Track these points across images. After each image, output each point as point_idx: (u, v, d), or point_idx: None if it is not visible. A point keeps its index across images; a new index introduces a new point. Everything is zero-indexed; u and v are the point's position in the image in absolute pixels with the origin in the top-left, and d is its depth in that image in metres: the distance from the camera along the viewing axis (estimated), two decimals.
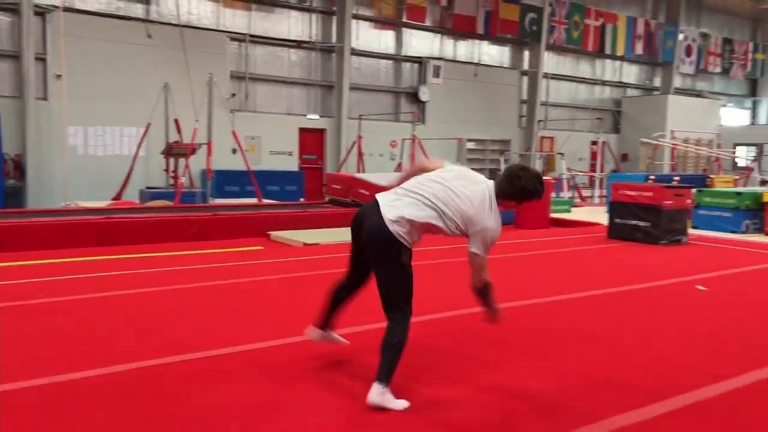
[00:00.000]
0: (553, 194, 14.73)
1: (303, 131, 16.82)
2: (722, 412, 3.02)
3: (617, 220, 9.20)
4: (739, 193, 10.22)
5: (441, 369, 3.48)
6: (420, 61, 18.74)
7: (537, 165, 18.55)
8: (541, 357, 3.76)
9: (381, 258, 2.97)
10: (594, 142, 20.43)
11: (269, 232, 9.03)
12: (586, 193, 17.19)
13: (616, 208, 9.24)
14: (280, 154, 16.19)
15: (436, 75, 18.73)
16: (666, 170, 18.33)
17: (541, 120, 20.85)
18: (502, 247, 8.30)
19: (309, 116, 16.86)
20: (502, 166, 17.46)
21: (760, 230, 9.95)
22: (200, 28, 14.83)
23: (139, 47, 13.91)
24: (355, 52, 17.36)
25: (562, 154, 17.13)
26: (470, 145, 19.91)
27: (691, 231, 10.06)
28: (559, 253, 7.97)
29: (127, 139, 13.90)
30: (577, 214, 12.98)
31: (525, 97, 21.00)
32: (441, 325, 4.37)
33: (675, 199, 8.74)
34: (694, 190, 10.76)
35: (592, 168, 19.53)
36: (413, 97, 18.67)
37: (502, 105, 20.49)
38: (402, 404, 2.87)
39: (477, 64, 19.78)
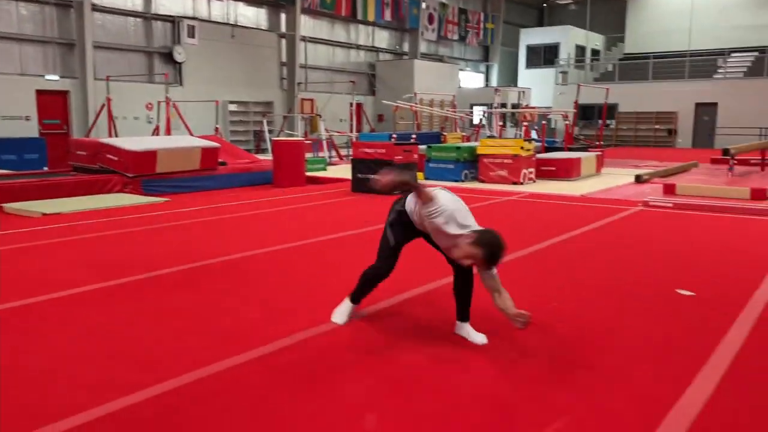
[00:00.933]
0: (311, 154, 15.59)
1: (41, 94, 15.38)
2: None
3: (358, 175, 10.22)
4: (458, 148, 11.92)
5: None
6: (173, 21, 18.11)
7: (299, 127, 19.30)
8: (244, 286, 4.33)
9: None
10: (352, 104, 21.77)
11: (1, 204, 8.39)
12: (344, 152, 18.40)
13: (356, 165, 10.26)
14: (14, 119, 14.66)
15: (191, 35, 18.29)
16: (412, 129, 20.30)
17: (301, 82, 21.55)
18: (259, 204, 8.82)
19: (47, 77, 15.44)
20: (266, 128, 17.87)
21: (475, 178, 11.77)
22: None
23: None
24: (97, 8, 16.21)
25: (320, 115, 18.02)
26: (233, 108, 19.93)
27: (423, 182, 11.57)
28: (303, 207, 8.70)
29: None
30: (332, 171, 13.97)
31: (285, 59, 21.49)
32: None
33: (404, 155, 9.99)
34: (424, 147, 12.30)
35: (351, 128, 20.91)
36: (168, 57, 18.05)
37: (262, 67, 20.74)
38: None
39: (234, 25, 19.69)
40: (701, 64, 26.75)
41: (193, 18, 18.54)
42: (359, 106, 23.41)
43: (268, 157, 14.02)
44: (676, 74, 26.68)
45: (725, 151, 11.31)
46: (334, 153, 16.81)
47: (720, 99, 24.89)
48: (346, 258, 5.40)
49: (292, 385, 2.85)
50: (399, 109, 17.63)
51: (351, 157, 10.82)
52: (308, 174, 12.90)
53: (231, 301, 4.13)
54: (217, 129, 15.28)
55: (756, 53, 26.11)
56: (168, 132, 14.33)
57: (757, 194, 8.82)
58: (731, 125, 23.81)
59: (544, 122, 15.87)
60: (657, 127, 26.48)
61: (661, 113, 26.35)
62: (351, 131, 18.79)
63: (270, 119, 19.73)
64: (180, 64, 18.13)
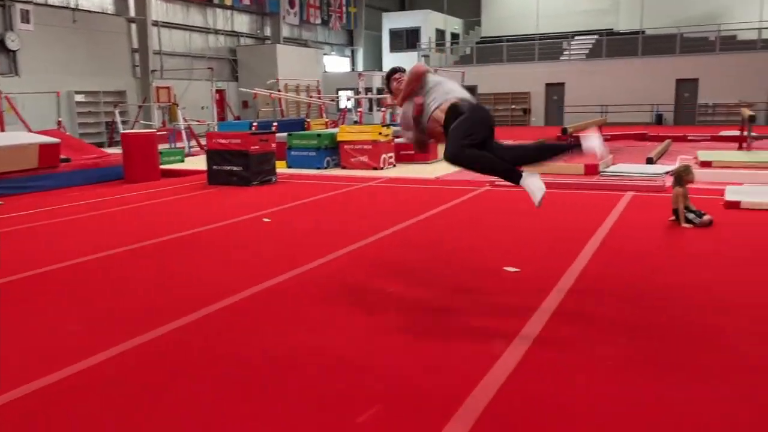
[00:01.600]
0: (167, 145, 14.91)
1: None
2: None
3: (214, 167, 9.92)
4: (319, 135, 11.91)
5: None
6: (3, 5, 16.48)
7: (156, 116, 18.37)
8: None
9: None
10: (217, 91, 21.02)
11: None
12: (205, 141, 17.75)
13: (212, 156, 9.94)
14: None
15: (26, 20, 16.75)
16: (277, 117, 20.01)
17: (155, 70, 20.49)
18: (102, 203, 8.28)
19: None
20: (118, 119, 16.83)
21: (338, 164, 11.84)
22: None
23: None
24: None
25: (177, 104, 17.24)
26: (80, 98, 18.56)
27: (286, 171, 11.46)
28: (151, 204, 8.31)
29: None
30: (191, 163, 13.43)
31: (136, 45, 20.30)
32: None
33: (261, 144, 9.81)
34: (285, 135, 12.16)
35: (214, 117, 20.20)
36: (0, 45, 16.42)
37: (111, 54, 19.48)
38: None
39: (75, 9, 18.27)
40: (549, 46, 28.57)
41: (27, 2, 16.97)
42: (221, 93, 22.69)
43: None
44: (528, 57, 28.30)
45: (563, 130, 12.18)
46: (194, 143, 16.18)
47: (566, 79, 26.77)
48: (186, 264, 5.24)
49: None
50: (259, 96, 17.28)
51: (206, 149, 10.45)
52: (164, 167, 12.33)
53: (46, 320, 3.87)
54: (59, 122, 14.17)
55: (596, 36, 28.30)
56: (0, 128, 13.07)
57: (589, 170, 9.60)
58: (577, 104, 25.71)
59: None
60: (513, 107, 28.03)
61: (516, 94, 27.91)
62: (213, 120, 18.19)
63: (123, 109, 18.60)
64: (14, 52, 16.56)
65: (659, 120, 25.24)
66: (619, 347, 3.18)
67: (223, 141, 9.81)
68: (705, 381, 2.79)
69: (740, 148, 12.98)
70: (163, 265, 5.08)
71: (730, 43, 25.26)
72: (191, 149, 15.71)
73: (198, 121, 17.44)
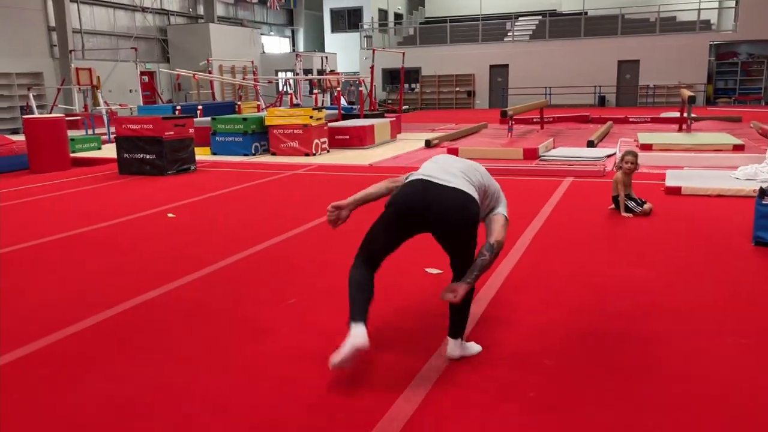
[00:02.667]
0: (81, 132, 13.81)
1: None
2: None
3: (126, 155, 9.04)
4: (245, 119, 11.09)
5: None
6: None
7: (77, 100, 17.08)
8: None
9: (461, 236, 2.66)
10: (143, 73, 19.80)
11: None
12: None
13: (122, 143, 9.05)
14: None
15: None
16: (210, 99, 18.97)
17: (74, 50, 19.08)
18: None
19: None
20: (33, 102, 15.51)
21: (267, 151, 11.07)
22: None
23: None
24: None
25: (97, 86, 16.02)
26: None
27: (210, 158, 10.64)
28: (48, 198, 7.42)
29: None
30: (109, 151, 12.42)
31: (53, 23, 18.84)
32: None
33: (176, 130, 8.97)
34: (208, 119, 11.30)
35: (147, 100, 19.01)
36: None
37: (26, 33, 18.02)
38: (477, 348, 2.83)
39: None
40: (493, 27, 28.19)
41: None
42: (150, 75, 21.42)
43: None
44: (472, 38, 27.86)
45: (503, 113, 11.74)
46: (114, 129, 15.07)
47: (510, 61, 26.47)
48: (56, 270, 4.47)
49: None
50: (198, 78, 16.24)
51: (114, 136, 9.54)
52: (77, 155, 11.34)
53: None
54: None
55: (540, 17, 28.07)
56: None
57: (528, 154, 9.16)
58: (521, 86, 25.46)
59: (362, 89, 15.43)
60: (458, 89, 27.59)
61: (460, 76, 27.46)
62: (140, 104, 17.06)
63: (40, 92, 17.24)
64: None
65: (602, 102, 25.25)
66: (542, 372, 2.64)
67: (133, 126, 8.92)
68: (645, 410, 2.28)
69: (680, 129, 12.83)
70: (22, 275, 4.30)
71: (670, 25, 25.40)
72: (113, 136, 14.63)
73: (121, 105, 16.28)
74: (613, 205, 5.74)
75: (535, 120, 15.50)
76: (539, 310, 3.38)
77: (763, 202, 4.29)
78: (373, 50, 16.77)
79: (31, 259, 4.69)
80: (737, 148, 8.88)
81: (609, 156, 9.09)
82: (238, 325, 3.28)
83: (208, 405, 2.44)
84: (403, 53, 17.79)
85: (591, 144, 10.48)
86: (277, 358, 2.85)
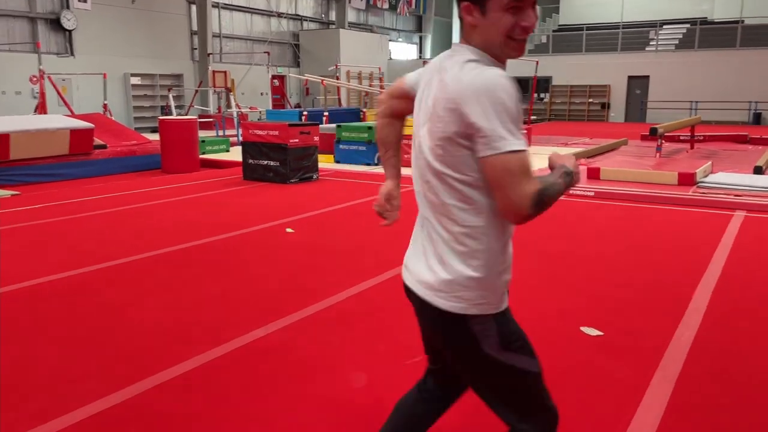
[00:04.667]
0: (212, 133, 14.15)
1: None
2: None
3: (251, 161, 8.95)
4: (370, 127, 10.74)
5: None
6: None
7: (212, 101, 17.70)
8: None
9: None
10: (274, 77, 20.22)
11: None
12: None
13: (248, 148, 8.97)
14: None
15: None
16: (338, 105, 19.00)
17: (212, 53, 19.86)
18: (126, 198, 7.33)
19: None
20: (172, 103, 16.22)
21: None
22: None
23: None
24: None
25: (230, 89, 16.47)
26: (136, 81, 18.13)
27: (332, 166, 10.39)
28: (176, 201, 7.39)
29: None
30: (237, 153, 12.59)
31: (195, 27, 19.72)
32: None
33: (301, 137, 8.74)
34: (333, 126, 11.07)
35: (275, 103, 19.40)
36: (56, 24, 16.08)
37: (170, 36, 18.96)
38: None
39: None
40: (634, 36, 26.28)
41: None
42: (281, 79, 21.89)
43: None
44: (609, 47, 26.14)
45: (653, 130, 10.53)
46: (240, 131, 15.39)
47: (652, 72, 24.52)
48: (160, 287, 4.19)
49: None
50: (309, 82, 16.26)
51: (241, 141, 9.49)
52: (207, 156, 11.54)
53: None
54: (105, 106, 13.59)
55: (687, 25, 25.81)
56: (42, 109, 12.56)
57: (684, 179, 8.02)
58: (662, 99, 23.49)
59: None
60: (590, 100, 25.98)
61: (594, 86, 25.84)
62: (269, 107, 17.37)
63: (179, 93, 18.06)
64: (70, 32, 16.19)
65: (757, 119, 22.70)
66: None
67: (260, 132, 8.79)
68: None
69: None
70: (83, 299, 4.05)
71: None
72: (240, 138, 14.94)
73: (251, 108, 16.63)
74: None
75: (681, 138, 13.98)
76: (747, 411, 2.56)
77: None
78: None
79: (140, 273, 4.47)
80: None
81: None
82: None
83: None
84: (537, 62, 16.80)
85: (759, 170, 9.08)
86: None
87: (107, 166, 10.18)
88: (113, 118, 13.02)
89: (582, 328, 3.35)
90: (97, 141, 10.29)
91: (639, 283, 4.18)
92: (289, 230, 5.82)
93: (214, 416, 2.47)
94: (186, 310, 3.68)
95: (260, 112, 15.61)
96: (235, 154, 12.36)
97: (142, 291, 4.05)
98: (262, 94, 21.02)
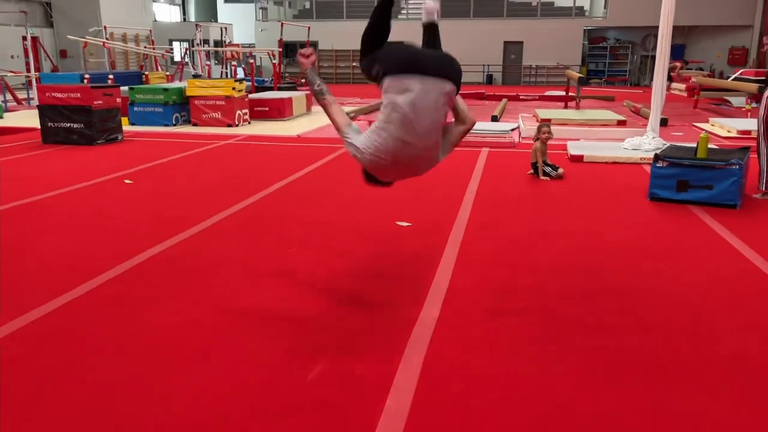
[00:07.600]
0: None
1: None
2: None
3: (50, 124, 8.90)
4: (166, 89, 11.10)
5: None
6: None
7: None
8: None
9: None
10: (26, 38, 18.49)
11: None
12: (22, 95, 15.79)
13: (46, 112, 8.89)
14: None
15: None
16: (106, 68, 18.24)
17: None
18: None
19: None
20: None
21: (188, 121, 11.17)
22: None
23: None
24: None
25: None
26: None
27: (130, 128, 10.58)
28: None
29: None
30: (11, 119, 11.90)
31: None
32: None
33: (105, 99, 8.95)
34: (126, 88, 11.18)
35: (27, 67, 17.85)
36: None
37: None
38: None
39: None
40: None
41: None
42: (35, 40, 20.08)
43: None
44: (365, 13, 28.35)
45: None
46: (10, 96, 14.31)
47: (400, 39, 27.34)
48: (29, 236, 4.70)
49: None
50: (88, 45, 15.61)
51: (37, 103, 9.30)
52: None
53: None
54: None
55: None
56: None
57: None
58: None
59: (252, 60, 15.60)
60: (354, 64, 28.13)
61: (357, 51, 27.96)
62: (29, 71, 16.12)
63: None
64: None
65: (489, 80, 26.92)
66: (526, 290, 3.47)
67: (59, 95, 8.78)
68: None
69: (566, 106, 14.34)
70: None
71: (549, 9, 27.44)
72: (7, 103, 13.90)
73: (12, 72, 15.36)
74: (531, 171, 6.72)
75: None
76: (505, 251, 4.22)
77: (657, 165, 5.39)
78: (282, 23, 16.96)
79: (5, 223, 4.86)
80: (620, 123, 10.28)
81: (513, 129, 10.18)
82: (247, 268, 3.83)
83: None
84: (309, 27, 18.11)
85: (495, 118, 11.57)
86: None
87: None
88: None
89: (397, 222, 4.80)
90: None
91: (432, 190, 5.79)
92: (128, 181, 6.39)
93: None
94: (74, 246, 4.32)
95: (26, 76, 14.57)
96: (12, 120, 11.71)
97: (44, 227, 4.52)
98: (12, 57, 19.17)
